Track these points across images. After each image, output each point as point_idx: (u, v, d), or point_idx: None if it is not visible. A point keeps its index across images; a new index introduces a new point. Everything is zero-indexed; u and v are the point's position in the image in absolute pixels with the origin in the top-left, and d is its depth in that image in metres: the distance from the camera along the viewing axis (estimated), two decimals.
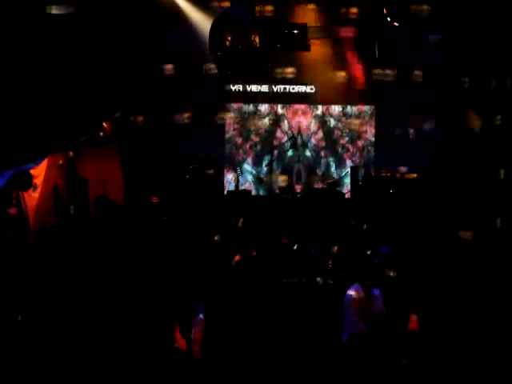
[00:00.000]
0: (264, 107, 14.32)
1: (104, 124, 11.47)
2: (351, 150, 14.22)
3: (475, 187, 10.96)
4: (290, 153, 13.95)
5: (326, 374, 6.25)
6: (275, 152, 13.65)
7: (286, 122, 14.24)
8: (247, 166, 14.27)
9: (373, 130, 14.21)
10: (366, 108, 14.23)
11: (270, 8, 11.28)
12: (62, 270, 8.13)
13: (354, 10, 11.12)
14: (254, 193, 13.83)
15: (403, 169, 12.17)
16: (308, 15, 12.47)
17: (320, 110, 14.26)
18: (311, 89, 14.10)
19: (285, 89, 14.15)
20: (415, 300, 7.04)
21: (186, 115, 11.92)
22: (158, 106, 13.11)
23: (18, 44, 10.49)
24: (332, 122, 14.26)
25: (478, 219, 9.86)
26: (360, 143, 14.23)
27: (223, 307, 6.78)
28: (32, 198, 10.17)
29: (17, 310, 6.93)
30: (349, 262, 8.36)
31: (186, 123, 12.02)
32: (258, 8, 11.36)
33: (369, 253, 8.27)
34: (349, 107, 14.25)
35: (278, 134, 14.26)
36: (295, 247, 9.17)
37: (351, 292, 6.73)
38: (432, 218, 10.22)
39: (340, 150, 14.24)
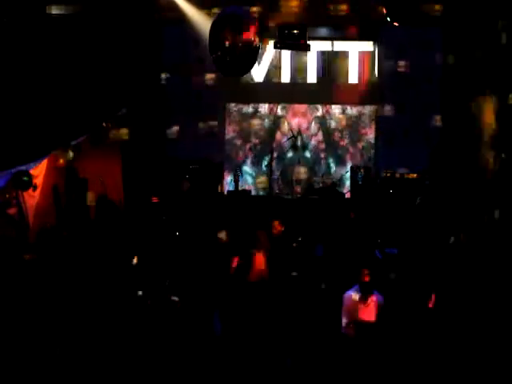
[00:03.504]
0: (264, 108, 14.31)
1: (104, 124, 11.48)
2: (351, 150, 14.21)
3: (474, 186, 10.97)
4: (289, 154, 13.94)
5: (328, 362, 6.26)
6: (275, 153, 13.65)
7: (285, 122, 14.24)
8: (247, 167, 14.26)
9: (373, 131, 14.20)
10: (366, 108, 14.22)
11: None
12: (62, 269, 8.12)
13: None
14: (253, 193, 13.81)
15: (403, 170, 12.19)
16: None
17: (320, 110, 14.25)
18: None
19: None
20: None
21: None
22: (157, 106, 13.11)
23: (19, 44, 10.50)
24: (332, 123, 14.25)
25: (478, 218, 9.86)
26: (360, 144, 14.22)
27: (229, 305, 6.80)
28: (32, 197, 10.15)
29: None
30: (352, 256, 8.33)
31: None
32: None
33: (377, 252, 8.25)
34: (349, 108, 14.24)
35: (278, 134, 14.25)
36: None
37: (348, 293, 6.72)
38: (432, 217, 10.22)
39: (340, 150, 14.23)
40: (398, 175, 12.15)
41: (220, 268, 8.22)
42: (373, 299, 6.67)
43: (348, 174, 13.32)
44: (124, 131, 11.66)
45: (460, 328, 6.65)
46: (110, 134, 11.49)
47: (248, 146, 14.27)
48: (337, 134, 14.24)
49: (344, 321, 6.65)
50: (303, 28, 11.48)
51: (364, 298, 6.62)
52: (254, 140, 14.27)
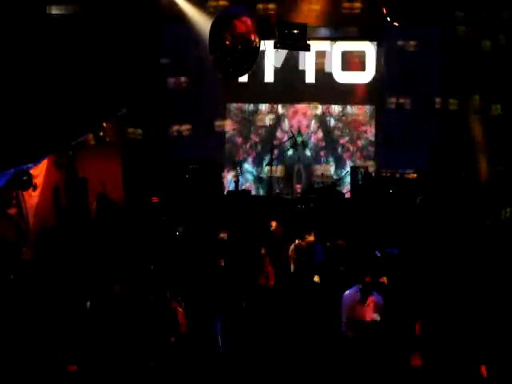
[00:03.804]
0: (264, 107, 14.31)
1: (104, 124, 11.48)
2: (351, 149, 14.20)
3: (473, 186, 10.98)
4: (290, 152, 13.93)
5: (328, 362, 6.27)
6: (275, 151, 13.64)
7: (286, 121, 14.24)
8: (247, 166, 14.26)
9: (373, 130, 14.19)
10: (366, 108, 14.21)
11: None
12: (62, 269, 8.12)
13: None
14: (254, 193, 13.82)
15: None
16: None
17: (320, 109, 14.25)
18: None
19: None
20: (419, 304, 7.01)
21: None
22: (157, 106, 13.12)
23: (19, 44, 10.51)
24: (332, 122, 14.25)
25: (478, 217, 9.86)
26: (360, 143, 14.22)
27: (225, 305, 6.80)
28: (32, 197, 10.15)
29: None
30: (351, 255, 8.34)
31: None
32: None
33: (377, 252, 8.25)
34: (349, 107, 14.23)
35: (279, 133, 14.25)
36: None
37: (347, 293, 6.74)
38: (432, 217, 10.23)
39: (340, 149, 14.23)
40: (397, 175, 12.14)
41: (222, 269, 8.23)
42: (372, 299, 6.68)
43: (348, 174, 13.31)
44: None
45: (459, 327, 6.65)
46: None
47: (249, 145, 14.29)
48: (336, 133, 14.24)
49: (344, 321, 6.67)
50: (303, 28, 11.45)
51: (363, 298, 6.64)
52: (255, 139, 14.28)
